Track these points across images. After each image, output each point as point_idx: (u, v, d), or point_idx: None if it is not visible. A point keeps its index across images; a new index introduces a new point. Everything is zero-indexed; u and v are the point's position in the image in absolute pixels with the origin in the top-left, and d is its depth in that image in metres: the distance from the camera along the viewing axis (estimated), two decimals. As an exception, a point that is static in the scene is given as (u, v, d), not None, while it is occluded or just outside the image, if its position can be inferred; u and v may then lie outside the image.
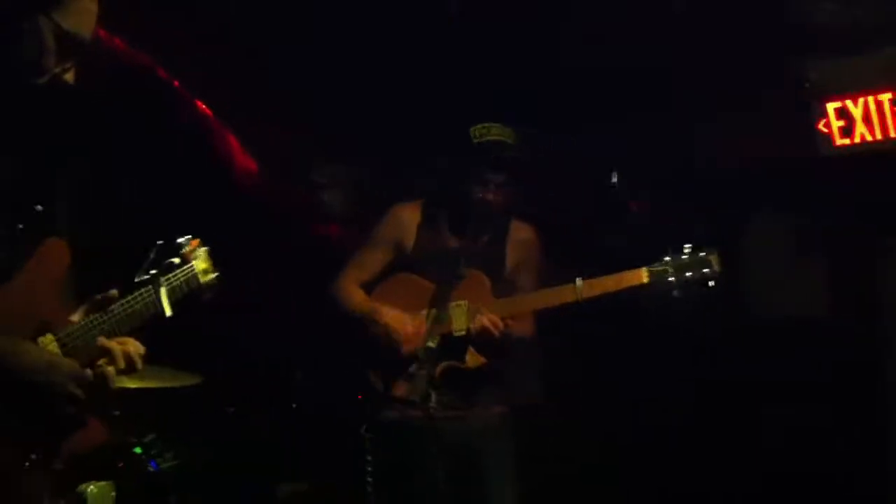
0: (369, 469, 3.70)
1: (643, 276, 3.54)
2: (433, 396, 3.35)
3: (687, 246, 3.55)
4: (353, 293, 3.88)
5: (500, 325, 3.58)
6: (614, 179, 5.29)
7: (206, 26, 4.84)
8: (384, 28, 4.78)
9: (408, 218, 3.93)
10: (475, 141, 3.79)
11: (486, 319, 3.58)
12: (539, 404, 4.93)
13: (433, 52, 4.94)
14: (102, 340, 2.24)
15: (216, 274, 2.50)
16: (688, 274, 3.52)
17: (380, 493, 3.76)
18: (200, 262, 2.47)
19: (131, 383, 3.60)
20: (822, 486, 4.62)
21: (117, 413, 3.82)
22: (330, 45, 5.00)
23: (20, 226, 2.24)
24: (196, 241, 2.47)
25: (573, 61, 4.87)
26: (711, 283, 3.52)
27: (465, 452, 3.72)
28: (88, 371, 2.20)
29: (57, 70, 2.17)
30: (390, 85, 5.08)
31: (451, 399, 3.68)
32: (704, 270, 3.52)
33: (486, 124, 3.81)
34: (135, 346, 2.28)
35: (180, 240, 2.45)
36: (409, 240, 3.90)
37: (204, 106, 5.56)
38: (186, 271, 2.43)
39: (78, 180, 4.46)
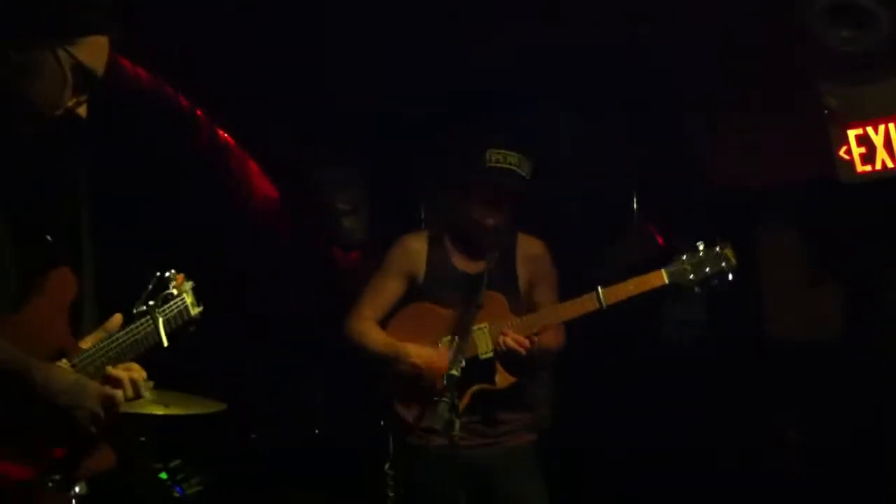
0: (390, 494, 3.69)
1: (663, 276, 3.56)
2: (457, 424, 3.33)
3: (700, 243, 3.57)
4: (372, 334, 3.84)
5: (526, 343, 3.58)
6: (634, 202, 5.36)
7: (228, 52, 4.88)
8: (404, 51, 4.82)
9: (416, 247, 3.90)
10: (488, 165, 3.75)
11: (511, 340, 3.57)
12: (556, 426, 4.93)
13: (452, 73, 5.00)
14: (110, 370, 2.30)
15: (201, 308, 2.57)
16: (706, 270, 3.54)
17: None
18: (188, 296, 2.54)
19: (158, 410, 3.64)
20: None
21: (143, 439, 3.86)
22: (351, 71, 5.05)
23: (28, 255, 2.29)
24: (181, 276, 2.54)
25: (588, 79, 4.91)
26: (730, 277, 3.54)
27: (495, 480, 3.72)
28: (116, 392, 2.25)
29: (71, 104, 2.21)
30: (415, 109, 5.12)
31: (480, 425, 3.69)
32: (722, 265, 3.54)
33: (504, 151, 3.77)
34: (140, 373, 2.34)
35: (167, 274, 2.51)
36: (420, 269, 3.87)
37: (224, 133, 5.61)
38: (179, 303, 2.50)
39: (94, 207, 4.53)
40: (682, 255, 3.58)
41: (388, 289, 3.89)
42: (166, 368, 2.56)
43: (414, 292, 3.88)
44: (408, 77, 5.04)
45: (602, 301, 3.56)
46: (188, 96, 5.35)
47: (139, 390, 2.32)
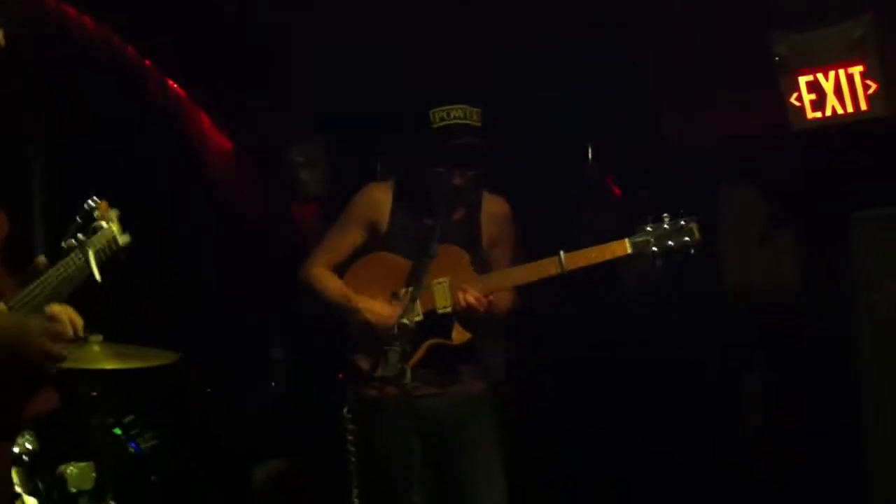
0: (351, 449, 3.70)
1: (626, 246, 3.55)
2: (408, 373, 3.33)
3: (666, 215, 3.56)
4: (326, 280, 3.81)
5: (484, 301, 3.59)
6: (589, 155, 5.36)
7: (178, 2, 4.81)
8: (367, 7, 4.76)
9: (381, 197, 3.86)
10: (434, 126, 3.70)
11: (471, 297, 3.57)
12: (509, 379, 4.95)
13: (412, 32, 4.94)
14: (53, 306, 2.26)
15: (128, 237, 2.54)
16: (669, 243, 3.53)
17: (359, 470, 3.78)
18: (114, 225, 2.50)
19: (110, 364, 3.60)
20: (795, 456, 4.68)
21: (95, 394, 3.82)
22: (308, 21, 4.99)
23: None
24: (105, 203, 2.49)
25: (541, 37, 4.87)
26: (692, 252, 3.55)
27: (447, 428, 3.73)
28: (57, 325, 2.22)
29: None
30: (370, 62, 5.07)
31: (433, 376, 3.69)
32: (685, 239, 3.54)
33: (447, 107, 3.71)
34: (75, 314, 2.31)
35: (90, 203, 2.47)
36: (384, 219, 3.83)
37: (176, 85, 5.53)
38: (106, 234, 2.47)
39: (43, 157, 4.45)
40: (647, 225, 3.57)
41: (349, 237, 3.85)
42: (119, 321, 2.53)
43: (375, 242, 3.84)
44: (366, 35, 4.99)
45: (563, 265, 3.56)
46: (137, 47, 5.26)
47: (77, 330, 2.28)
